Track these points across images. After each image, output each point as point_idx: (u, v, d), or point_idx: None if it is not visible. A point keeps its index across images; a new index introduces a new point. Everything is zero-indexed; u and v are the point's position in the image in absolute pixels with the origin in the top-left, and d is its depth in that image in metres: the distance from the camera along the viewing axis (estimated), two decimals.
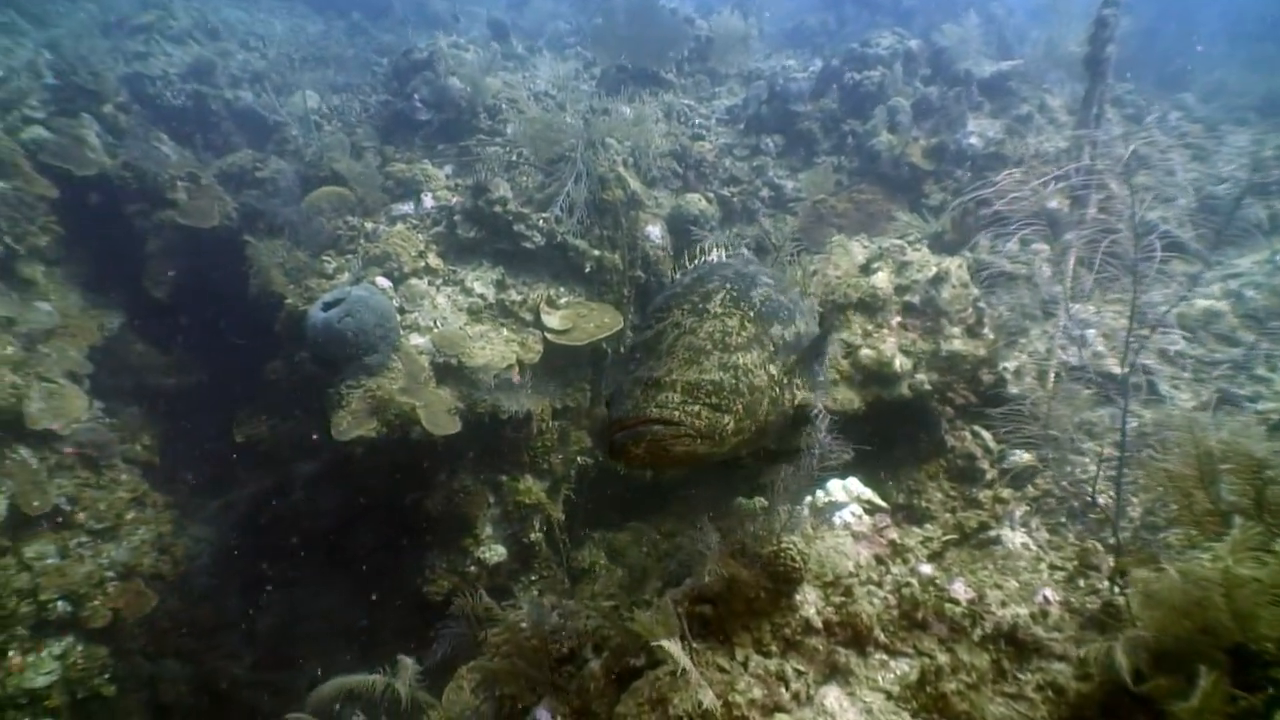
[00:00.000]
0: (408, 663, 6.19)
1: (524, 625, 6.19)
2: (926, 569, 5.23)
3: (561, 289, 9.07)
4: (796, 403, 3.85)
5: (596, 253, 9.23)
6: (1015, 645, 4.66)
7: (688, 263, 4.77)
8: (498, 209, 8.96)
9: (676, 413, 3.15)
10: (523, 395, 8.02)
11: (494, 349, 8.17)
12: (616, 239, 9.50)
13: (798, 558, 4.63)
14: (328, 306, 7.55)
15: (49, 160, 9.28)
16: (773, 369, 3.62)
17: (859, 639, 4.63)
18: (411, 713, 6.33)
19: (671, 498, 9.73)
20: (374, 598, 8.23)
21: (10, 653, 6.80)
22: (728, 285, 3.81)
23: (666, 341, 3.52)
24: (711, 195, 10.40)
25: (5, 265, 8.81)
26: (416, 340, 8.08)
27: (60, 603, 7.32)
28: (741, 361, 3.48)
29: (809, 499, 6.33)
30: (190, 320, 10.15)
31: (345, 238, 9.18)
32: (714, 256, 4.68)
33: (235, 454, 9.54)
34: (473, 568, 7.71)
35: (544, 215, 9.08)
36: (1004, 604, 4.86)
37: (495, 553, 7.96)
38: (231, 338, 9.87)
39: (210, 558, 8.86)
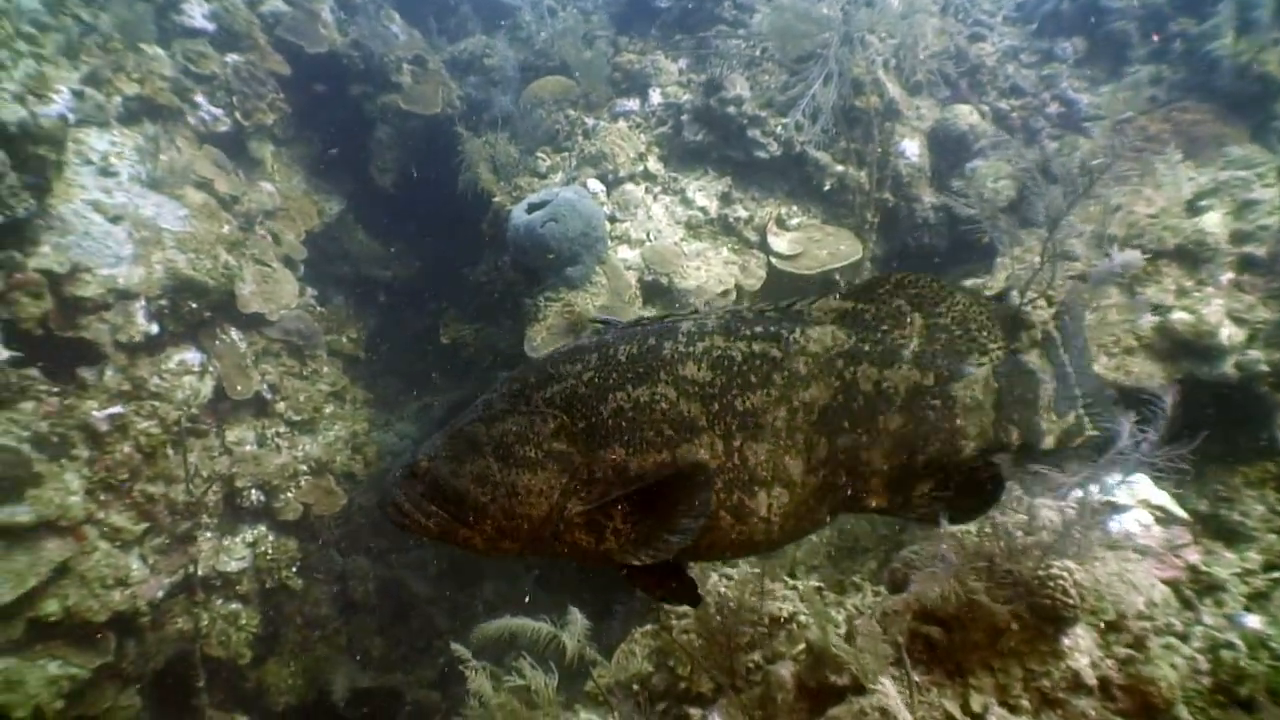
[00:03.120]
0: (577, 616, 5.64)
1: (709, 600, 5.42)
2: (1253, 621, 3.87)
3: (794, 207, 7.97)
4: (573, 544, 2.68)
5: (840, 168, 8.03)
6: None
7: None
8: (731, 110, 7.90)
9: (408, 505, 2.59)
10: None
11: (710, 270, 7.23)
12: (865, 154, 8.23)
13: (1072, 591, 3.43)
14: (533, 209, 6.86)
15: (284, 35, 9.12)
16: (574, 505, 2.60)
17: (1151, 713, 3.40)
18: (577, 667, 5.76)
19: None
20: None
21: (205, 535, 6.81)
22: (584, 376, 2.63)
23: (461, 421, 2.67)
24: (986, 108, 8.79)
25: (236, 141, 8.77)
26: (625, 253, 7.27)
27: (254, 491, 7.27)
28: (513, 482, 2.58)
29: (1076, 492, 5.04)
30: (411, 211, 9.88)
31: (563, 133, 8.44)
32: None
33: (439, 355, 9.26)
34: None
35: (783, 121, 7.94)
36: None
37: None
38: (446, 233, 9.53)
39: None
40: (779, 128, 7.91)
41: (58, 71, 7.67)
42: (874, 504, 2.71)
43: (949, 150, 8.54)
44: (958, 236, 8.50)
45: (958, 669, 3.73)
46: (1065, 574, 3.45)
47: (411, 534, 2.64)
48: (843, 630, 5.21)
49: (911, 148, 8.50)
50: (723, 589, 5.31)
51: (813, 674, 4.18)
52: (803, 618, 5.16)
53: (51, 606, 5.41)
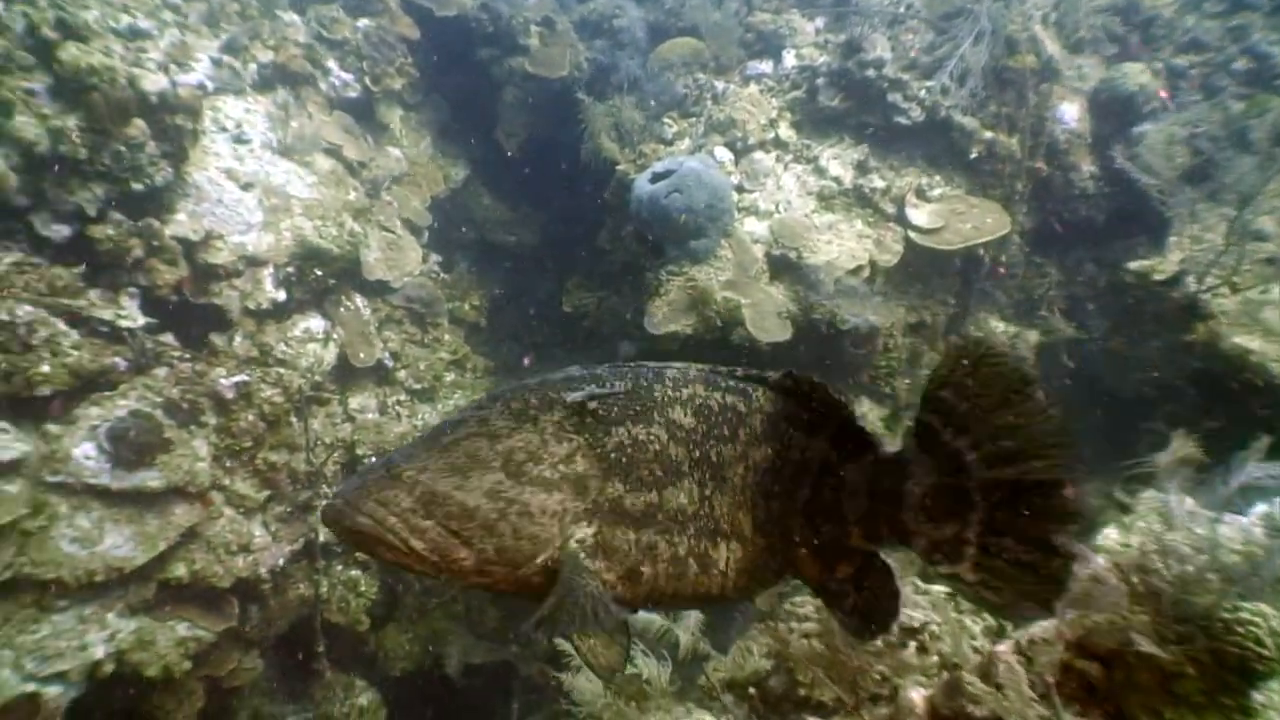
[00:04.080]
0: (692, 610, 5.43)
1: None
2: None
3: (936, 177, 7.44)
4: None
5: (988, 134, 7.44)
6: None
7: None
8: (870, 73, 7.38)
9: (392, 518, 2.39)
10: (870, 304, 6.62)
11: (842, 244, 6.83)
12: (1017, 118, 7.59)
13: (1268, 641, 2.96)
14: (656, 178, 6.58)
15: None
16: (577, 530, 2.54)
17: None
18: (689, 659, 5.56)
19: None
20: None
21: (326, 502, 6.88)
22: (596, 401, 2.59)
23: (454, 435, 2.55)
24: (1159, 66, 7.94)
25: (365, 107, 8.78)
26: (752, 226, 6.93)
27: (374, 460, 7.31)
28: (526, 500, 2.50)
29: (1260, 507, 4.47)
30: (537, 175, 9.75)
31: (691, 98, 8.09)
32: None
33: (561, 324, 9.14)
34: None
35: (927, 84, 7.39)
36: None
37: None
38: (571, 199, 9.36)
39: None
40: (922, 91, 7.35)
41: (199, 40, 7.80)
42: (807, 574, 2.63)
43: (1113, 113, 7.81)
44: (1118, 209, 7.80)
45: (1118, 713, 3.32)
46: (1259, 619, 2.98)
47: (376, 553, 2.46)
48: (979, 644, 4.81)
49: (1070, 111, 7.82)
50: None
51: (948, 701, 3.82)
52: (935, 628, 4.81)
53: (179, 570, 5.55)
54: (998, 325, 8.16)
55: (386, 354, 7.69)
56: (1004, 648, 4.16)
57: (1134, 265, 6.63)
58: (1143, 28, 8.11)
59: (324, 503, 2.51)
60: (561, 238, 9.80)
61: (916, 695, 3.96)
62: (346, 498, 2.42)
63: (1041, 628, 4.05)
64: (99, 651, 5.10)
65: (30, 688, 4.84)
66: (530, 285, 9.87)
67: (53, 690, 4.92)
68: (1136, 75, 7.76)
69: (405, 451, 2.56)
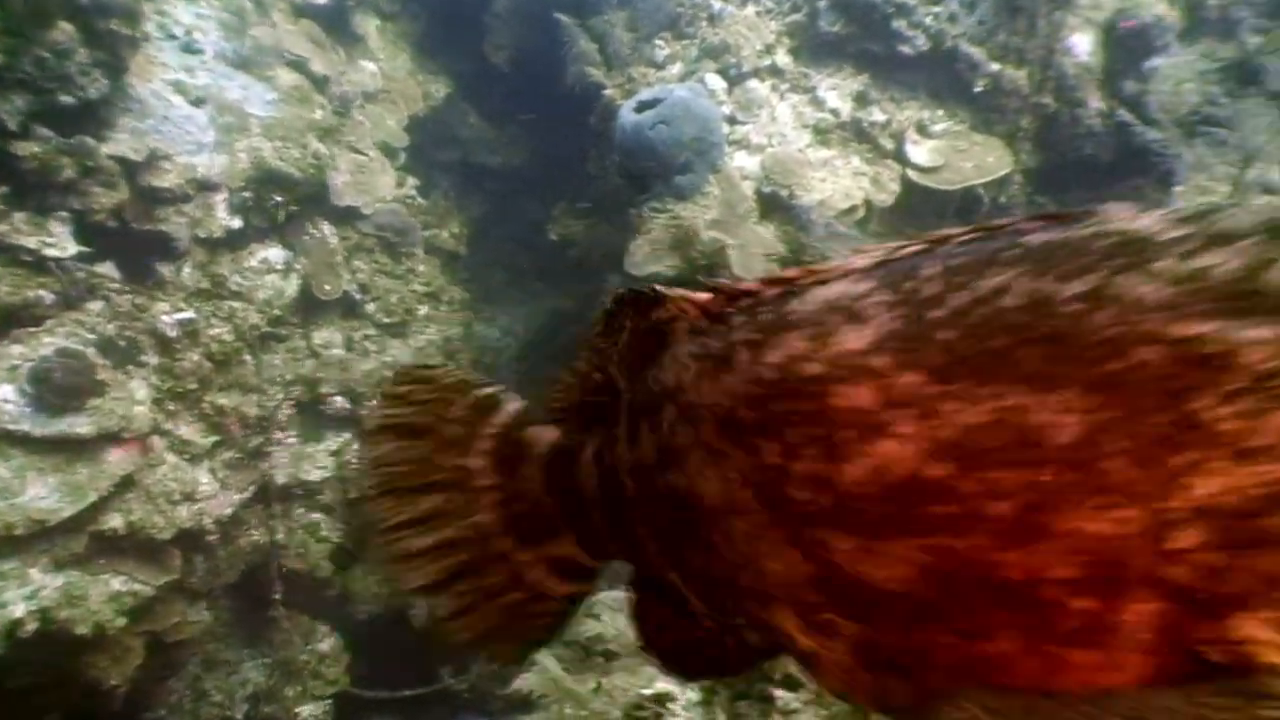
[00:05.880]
0: None
1: None
2: None
3: (939, 112, 7.06)
4: None
5: (995, 66, 7.05)
6: None
7: None
8: None
9: None
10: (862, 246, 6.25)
11: (837, 182, 6.48)
12: (1026, 50, 7.17)
13: None
14: (642, 107, 6.15)
15: None
16: None
17: None
18: None
19: None
20: None
21: (285, 443, 6.54)
22: None
23: None
24: None
25: (337, 14, 8.13)
26: (742, 161, 6.52)
27: (338, 398, 6.94)
28: None
29: None
30: (527, 94, 9.14)
31: (686, 18, 7.54)
32: None
33: (546, 252, 8.66)
34: None
35: (935, 9, 6.94)
36: None
37: None
38: (560, 119, 8.77)
39: (501, 370, 8.20)
40: (929, 18, 6.90)
41: None
42: None
43: (1127, 46, 7.35)
44: (1125, 148, 7.41)
45: None
46: None
47: None
48: None
49: (1082, 43, 7.37)
50: None
51: None
52: None
53: (114, 521, 5.17)
54: None
55: (355, 286, 7.26)
56: None
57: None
58: None
59: None
60: (551, 160, 9.24)
61: None
62: None
63: None
64: (18, 610, 4.76)
65: None
66: (518, 207, 9.39)
67: None
68: (1151, 5, 7.32)
69: None
